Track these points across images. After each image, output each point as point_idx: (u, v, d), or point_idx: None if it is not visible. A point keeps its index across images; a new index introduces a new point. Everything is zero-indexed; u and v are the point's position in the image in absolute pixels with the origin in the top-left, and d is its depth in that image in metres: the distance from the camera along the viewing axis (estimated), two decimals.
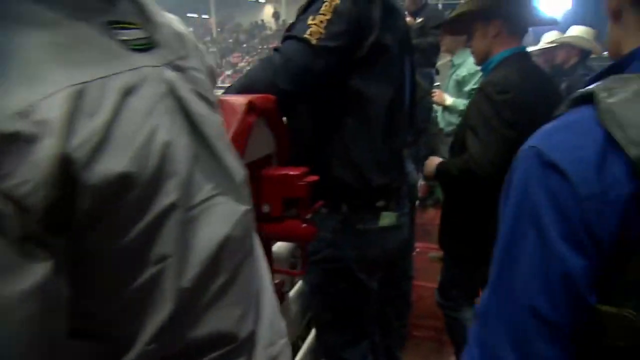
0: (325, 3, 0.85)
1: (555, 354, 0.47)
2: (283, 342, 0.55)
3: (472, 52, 1.31)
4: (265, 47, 16.65)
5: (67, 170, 0.33)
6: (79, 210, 0.35)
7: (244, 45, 18.72)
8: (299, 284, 1.24)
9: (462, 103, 2.46)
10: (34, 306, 0.32)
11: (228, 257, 0.46)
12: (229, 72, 14.65)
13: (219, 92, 0.90)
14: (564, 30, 2.54)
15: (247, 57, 16.94)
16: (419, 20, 2.70)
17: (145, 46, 0.43)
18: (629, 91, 0.45)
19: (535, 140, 0.49)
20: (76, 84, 0.35)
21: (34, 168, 0.32)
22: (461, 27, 1.34)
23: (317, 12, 0.85)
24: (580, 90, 0.50)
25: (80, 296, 0.37)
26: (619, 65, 0.51)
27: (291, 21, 0.95)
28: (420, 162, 1.68)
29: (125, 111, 0.38)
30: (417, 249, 2.73)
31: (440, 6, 5.15)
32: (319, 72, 0.84)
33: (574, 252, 0.45)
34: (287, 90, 0.82)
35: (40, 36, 0.35)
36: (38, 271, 0.32)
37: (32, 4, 0.36)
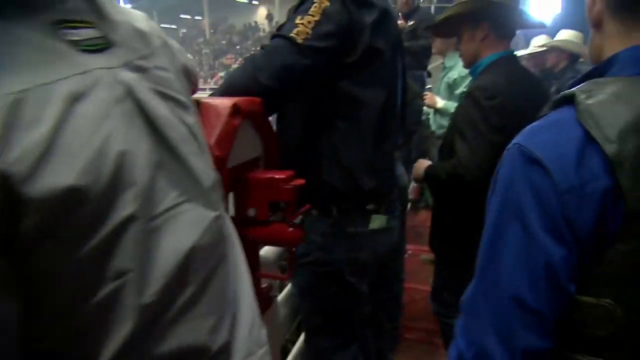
0: (315, 4, 0.85)
1: (539, 343, 0.49)
2: (262, 351, 0.54)
3: (461, 55, 1.32)
4: (258, 48, 16.61)
5: (4, 186, 0.31)
6: (25, 226, 0.33)
7: (237, 47, 18.69)
8: (289, 287, 1.23)
9: (453, 106, 2.47)
10: None
11: (197, 266, 0.44)
12: (222, 74, 14.60)
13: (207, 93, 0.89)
14: (553, 35, 2.57)
15: (240, 59, 16.90)
16: (411, 23, 2.71)
17: (99, 46, 0.41)
18: (606, 93, 0.48)
19: (519, 138, 0.52)
20: (12, 93, 0.32)
21: None
22: (450, 29, 1.35)
23: (305, 12, 0.85)
24: (562, 92, 0.53)
25: (34, 315, 0.35)
26: (599, 70, 0.54)
27: None
28: (411, 164, 1.68)
29: (73, 119, 0.35)
30: (409, 252, 2.73)
31: (432, 9, 5.18)
32: (302, 70, 0.84)
33: (555, 243, 0.47)
34: (269, 86, 0.81)
35: None
36: None
37: None
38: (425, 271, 2.27)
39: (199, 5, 20.60)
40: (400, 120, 1.13)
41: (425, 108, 2.69)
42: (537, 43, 2.66)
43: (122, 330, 0.38)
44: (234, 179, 0.71)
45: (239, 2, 21.10)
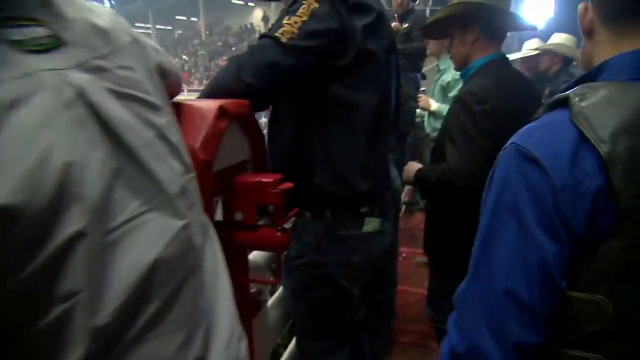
0: (304, 5, 0.85)
1: (531, 338, 0.50)
2: None
3: (451, 58, 1.31)
4: None
5: None
6: None
7: (233, 49, 18.69)
8: (281, 290, 1.22)
9: (446, 109, 2.47)
10: None
11: (161, 280, 0.41)
12: None
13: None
14: (546, 39, 2.58)
15: None
16: (405, 25, 2.71)
17: (48, 46, 0.37)
18: (599, 96, 0.50)
19: (516, 138, 0.54)
20: None
21: None
22: (440, 32, 1.34)
23: (293, 13, 0.85)
24: (556, 95, 0.55)
25: None
26: (590, 76, 0.56)
27: None
28: (404, 166, 1.68)
29: (6, 130, 0.32)
30: (403, 254, 2.73)
31: (427, 11, 5.20)
32: (287, 70, 0.83)
33: (550, 240, 0.49)
34: (253, 85, 0.80)
35: None
36: None
37: None
38: (419, 274, 2.27)
39: (195, 7, 20.58)
40: (393, 122, 1.12)
41: (419, 110, 2.69)
42: (530, 46, 2.67)
43: (74, 354, 0.36)
44: (221, 182, 0.70)
45: (235, 3, 21.11)
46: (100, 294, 0.37)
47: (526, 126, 0.55)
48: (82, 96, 0.38)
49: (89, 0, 0.46)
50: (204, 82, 14.46)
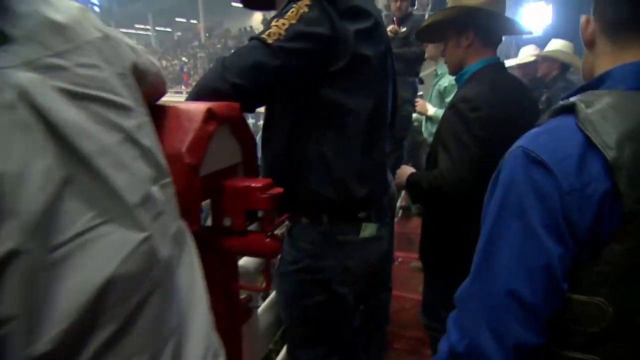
0: (293, 9, 0.85)
1: (532, 339, 0.51)
2: None
3: (446, 62, 1.30)
4: None
5: None
6: None
7: (232, 52, 18.70)
8: (273, 295, 1.20)
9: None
10: None
11: (117, 300, 0.38)
12: None
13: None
14: (544, 45, 2.58)
15: None
16: (404, 29, 2.72)
17: None
18: (604, 104, 0.52)
19: (522, 142, 0.55)
20: None
21: None
22: (435, 36, 1.33)
23: (282, 16, 0.85)
24: (561, 102, 0.57)
25: None
26: (592, 86, 0.58)
27: None
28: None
29: None
30: (400, 259, 2.72)
31: (426, 16, 5.21)
32: (273, 71, 0.82)
33: (554, 241, 0.50)
34: (238, 85, 0.80)
35: None
36: None
37: None
38: (415, 279, 2.25)
39: (194, 9, 20.63)
40: (389, 127, 1.11)
41: (417, 115, 2.69)
42: (526, 53, 2.68)
43: None
44: (210, 187, 0.68)
45: (235, 6, 21.16)
46: (39, 319, 0.34)
47: (531, 131, 0.57)
48: (25, 98, 0.35)
49: None
50: None
